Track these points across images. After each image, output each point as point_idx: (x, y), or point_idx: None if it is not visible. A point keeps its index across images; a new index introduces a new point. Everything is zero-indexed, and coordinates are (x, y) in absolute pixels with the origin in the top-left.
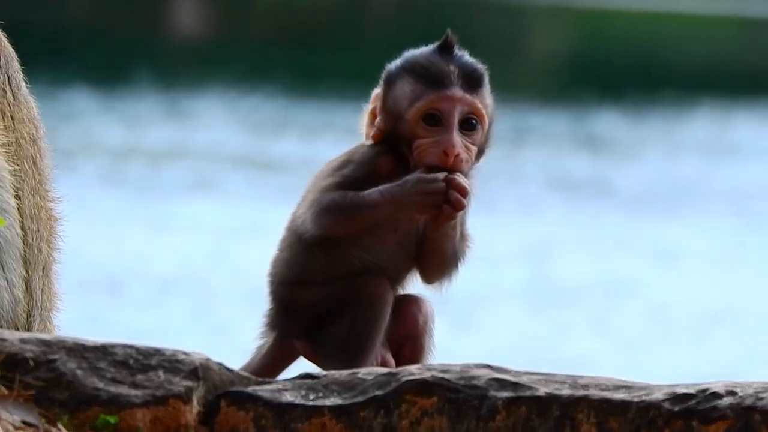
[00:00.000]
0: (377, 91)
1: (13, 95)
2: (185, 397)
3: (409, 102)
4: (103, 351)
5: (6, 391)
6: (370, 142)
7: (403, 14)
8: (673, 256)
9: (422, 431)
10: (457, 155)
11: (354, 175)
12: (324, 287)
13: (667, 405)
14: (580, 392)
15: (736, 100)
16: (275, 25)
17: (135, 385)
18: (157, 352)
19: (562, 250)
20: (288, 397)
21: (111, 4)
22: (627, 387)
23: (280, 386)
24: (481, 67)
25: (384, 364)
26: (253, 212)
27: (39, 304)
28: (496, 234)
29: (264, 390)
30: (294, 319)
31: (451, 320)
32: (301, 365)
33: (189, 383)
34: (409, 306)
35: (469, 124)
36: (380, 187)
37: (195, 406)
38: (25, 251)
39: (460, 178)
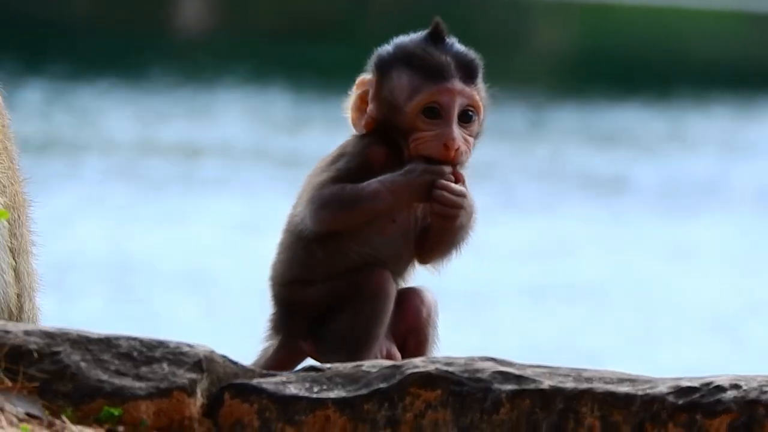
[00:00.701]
0: (366, 76)
1: None
2: (189, 390)
3: (408, 94)
4: (107, 343)
5: (10, 383)
6: (361, 130)
7: (407, 7)
8: (689, 253)
9: (426, 424)
10: (458, 148)
11: (348, 168)
12: (325, 284)
13: (671, 398)
14: (584, 385)
15: (745, 95)
16: (281, 18)
17: (139, 378)
18: (161, 344)
19: (576, 247)
20: (292, 389)
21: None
22: (631, 380)
23: (284, 379)
24: (476, 57)
25: (389, 356)
26: (268, 207)
27: (27, 287)
28: (510, 229)
29: (268, 382)
30: (298, 320)
31: (462, 316)
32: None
33: (193, 375)
34: (412, 298)
35: (467, 116)
36: (380, 178)
37: (199, 399)
38: (11, 240)
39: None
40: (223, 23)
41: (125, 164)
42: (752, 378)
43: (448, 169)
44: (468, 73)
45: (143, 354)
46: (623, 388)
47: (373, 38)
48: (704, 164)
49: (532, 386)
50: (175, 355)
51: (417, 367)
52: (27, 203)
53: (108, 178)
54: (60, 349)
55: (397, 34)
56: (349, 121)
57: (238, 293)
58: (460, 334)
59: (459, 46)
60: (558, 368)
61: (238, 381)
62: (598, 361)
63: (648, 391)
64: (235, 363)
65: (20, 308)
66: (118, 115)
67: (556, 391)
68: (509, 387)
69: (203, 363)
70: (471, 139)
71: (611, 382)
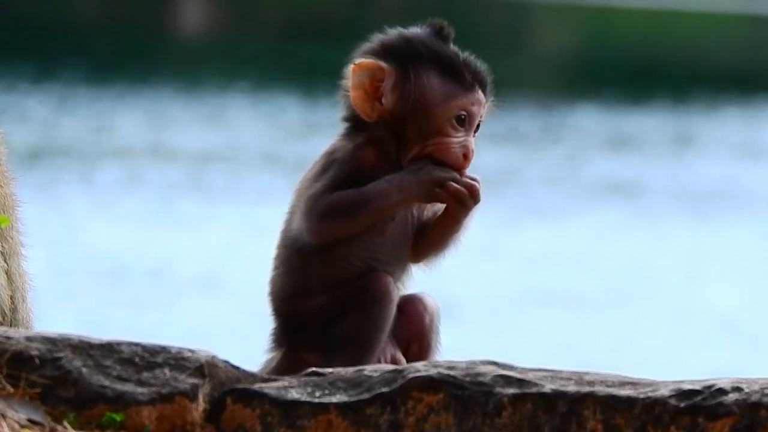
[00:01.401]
0: (380, 63)
1: None
2: (191, 395)
3: (442, 98)
4: (109, 349)
5: (12, 389)
6: (369, 117)
7: (410, 10)
8: (706, 257)
9: (428, 428)
10: (470, 160)
11: (340, 175)
12: (326, 294)
13: (673, 401)
14: (586, 389)
15: (752, 97)
16: (286, 20)
17: (141, 383)
18: (163, 349)
19: (592, 252)
20: (294, 394)
21: (118, 2)
22: (633, 383)
23: (286, 383)
24: (489, 72)
25: (395, 362)
26: (280, 212)
27: (19, 289)
28: (524, 235)
29: (270, 387)
30: (301, 333)
31: (477, 323)
32: None
33: (195, 380)
34: (414, 304)
35: (478, 127)
36: (387, 177)
37: (201, 404)
38: (1, 244)
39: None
40: (228, 27)
41: (135, 170)
42: (754, 381)
43: (456, 175)
44: (487, 87)
45: (145, 359)
46: (625, 392)
47: None
48: (716, 168)
49: (534, 390)
50: (177, 361)
51: (419, 371)
52: (16, 205)
53: (118, 184)
54: (62, 354)
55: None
56: (353, 102)
57: (249, 298)
58: (478, 340)
59: (473, 57)
60: (560, 372)
61: (240, 386)
62: (615, 366)
63: (650, 394)
64: (237, 368)
65: (14, 309)
66: (127, 121)
67: (558, 395)
68: (511, 391)
69: (205, 368)
70: None
71: (613, 385)
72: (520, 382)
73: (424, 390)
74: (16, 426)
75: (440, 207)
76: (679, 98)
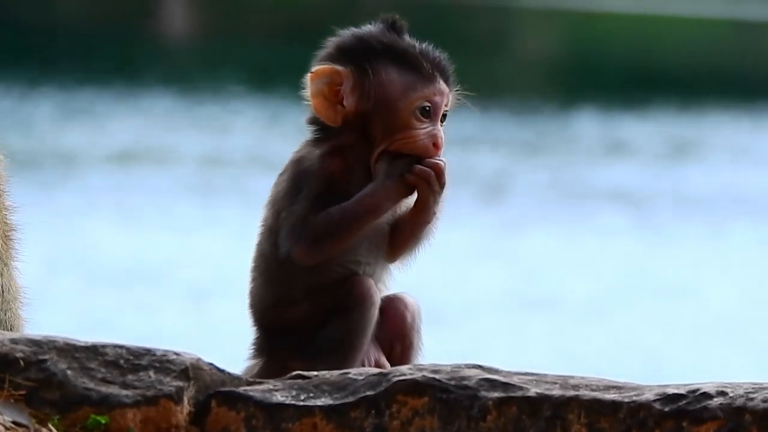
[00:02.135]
0: (335, 67)
1: None
2: (176, 398)
3: (403, 91)
4: (94, 351)
5: None
6: (333, 122)
7: (398, 8)
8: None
9: (413, 431)
10: (441, 149)
11: (314, 191)
12: (308, 301)
13: (657, 405)
14: (571, 392)
15: (739, 102)
16: (267, 24)
17: (125, 386)
18: (148, 352)
19: (583, 258)
20: (279, 397)
21: (102, 4)
22: (618, 387)
23: (270, 386)
24: (450, 62)
25: (378, 366)
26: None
27: (9, 293)
28: (514, 241)
29: (255, 390)
30: (283, 341)
31: (488, 328)
32: None
33: (179, 383)
34: (395, 305)
35: (444, 116)
36: (367, 190)
37: (186, 406)
38: None
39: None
40: (215, 30)
41: (130, 174)
42: (738, 385)
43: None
44: (449, 77)
45: (130, 362)
46: (610, 396)
47: None
48: (713, 173)
49: (518, 393)
50: (162, 363)
51: (404, 374)
52: (7, 209)
53: (112, 188)
54: (47, 357)
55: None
56: (315, 111)
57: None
58: (475, 345)
59: (431, 47)
60: (545, 375)
61: (225, 389)
62: (611, 372)
63: (634, 398)
64: (222, 371)
65: (3, 311)
66: (118, 125)
67: (543, 399)
68: (496, 394)
69: (190, 371)
70: None
71: (598, 389)
72: (505, 386)
73: (409, 393)
74: (1, 428)
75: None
76: (670, 103)
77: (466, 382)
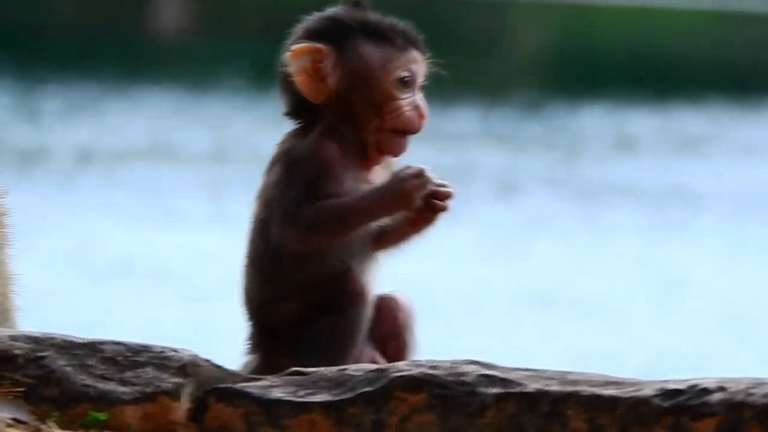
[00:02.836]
0: (316, 45)
1: None
2: (174, 394)
3: (381, 63)
4: (92, 348)
5: None
6: (317, 99)
7: (389, 11)
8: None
9: (411, 427)
10: (425, 117)
11: (308, 177)
12: (301, 298)
13: (657, 401)
14: (570, 388)
15: (736, 94)
16: (259, 21)
17: (124, 382)
18: (146, 348)
19: (588, 257)
20: (277, 393)
21: (94, 3)
22: (617, 383)
23: (268, 383)
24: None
25: (374, 364)
26: None
27: (4, 278)
28: (523, 238)
29: (253, 386)
30: (277, 339)
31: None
32: None
33: (178, 380)
34: (387, 304)
35: (422, 87)
36: (367, 192)
37: (184, 403)
38: None
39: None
40: (208, 26)
41: (131, 171)
42: (738, 380)
43: (431, 172)
44: (418, 44)
45: (128, 358)
46: (609, 391)
47: None
48: (716, 168)
49: (517, 389)
50: (160, 360)
51: (402, 370)
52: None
53: (111, 185)
54: (45, 353)
55: None
56: (300, 87)
57: (213, 293)
58: (483, 341)
59: (397, 20)
60: (543, 371)
61: (223, 385)
62: (620, 369)
63: (633, 394)
64: (219, 367)
65: None
66: (117, 122)
67: (541, 395)
68: (494, 390)
69: (188, 367)
70: None
71: (597, 384)
72: (504, 382)
73: (407, 390)
74: (1, 425)
75: None
76: (674, 96)
77: (464, 378)
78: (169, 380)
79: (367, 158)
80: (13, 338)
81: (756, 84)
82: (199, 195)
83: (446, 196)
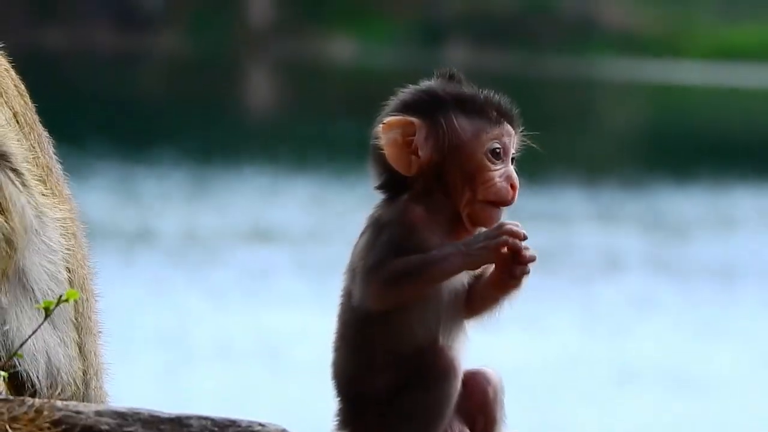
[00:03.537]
0: (407, 118)
1: (57, 176)
2: None
3: (474, 135)
4: (179, 422)
5: None
6: (407, 172)
7: (481, 84)
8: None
9: None
10: (517, 188)
11: (395, 237)
12: (390, 370)
13: None
14: None
15: None
16: (346, 97)
17: None
18: (233, 423)
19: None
20: None
21: (188, 79)
22: None
23: None
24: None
25: None
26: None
27: (93, 366)
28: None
29: None
30: (366, 412)
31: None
32: None
33: None
34: (477, 378)
35: (513, 159)
36: (450, 244)
37: None
38: (76, 318)
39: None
40: (299, 101)
41: (238, 251)
42: None
43: (523, 231)
44: (512, 118)
45: None
46: None
47: None
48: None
49: None
50: None
51: None
52: (93, 287)
53: (223, 265)
54: (132, 429)
55: None
56: (391, 160)
57: (311, 371)
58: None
59: (493, 93)
60: None
61: None
62: None
63: None
64: None
65: (87, 384)
66: (226, 201)
67: None
68: None
69: None
70: None
71: None
72: None
73: None
74: None
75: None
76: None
77: None
78: None
79: (458, 229)
80: (99, 413)
81: None
82: (296, 274)
83: (529, 259)
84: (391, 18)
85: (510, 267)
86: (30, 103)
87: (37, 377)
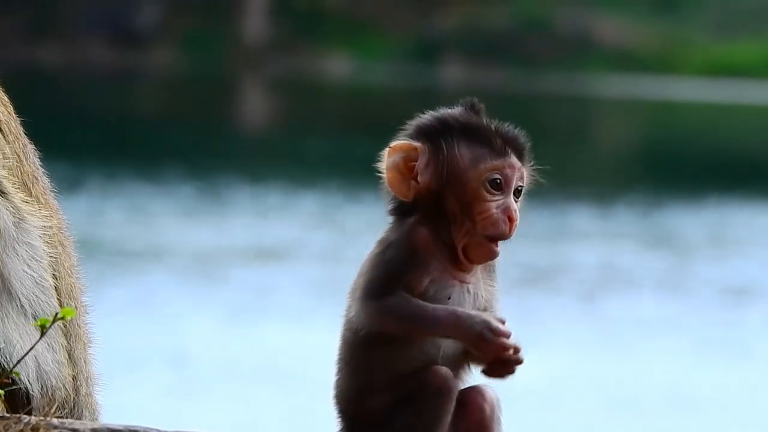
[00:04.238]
0: (411, 143)
1: (43, 185)
2: None
3: (472, 163)
4: None
5: None
6: (405, 197)
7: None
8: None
9: None
10: (515, 222)
11: (397, 257)
12: (389, 389)
13: None
14: None
15: None
16: (340, 116)
17: None
18: None
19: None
20: None
21: (186, 96)
22: None
23: None
24: (525, 138)
25: None
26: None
27: (84, 373)
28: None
29: None
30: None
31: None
32: None
33: None
34: (473, 396)
35: (518, 192)
36: (450, 309)
37: None
38: (65, 324)
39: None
40: (295, 120)
41: (246, 271)
42: None
43: (514, 343)
44: (522, 153)
45: None
46: None
47: None
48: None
49: None
50: None
51: None
52: (82, 297)
53: (231, 284)
54: None
55: None
56: (388, 184)
57: (315, 390)
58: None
59: (513, 128)
60: None
61: None
62: None
63: None
64: None
65: (77, 391)
66: (232, 220)
67: None
68: None
69: None
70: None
71: None
72: None
73: None
74: None
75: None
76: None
77: None
78: None
79: (460, 257)
80: (95, 431)
81: None
82: (306, 293)
83: (516, 362)
84: (387, 35)
85: (497, 366)
86: (14, 113)
87: (28, 380)
